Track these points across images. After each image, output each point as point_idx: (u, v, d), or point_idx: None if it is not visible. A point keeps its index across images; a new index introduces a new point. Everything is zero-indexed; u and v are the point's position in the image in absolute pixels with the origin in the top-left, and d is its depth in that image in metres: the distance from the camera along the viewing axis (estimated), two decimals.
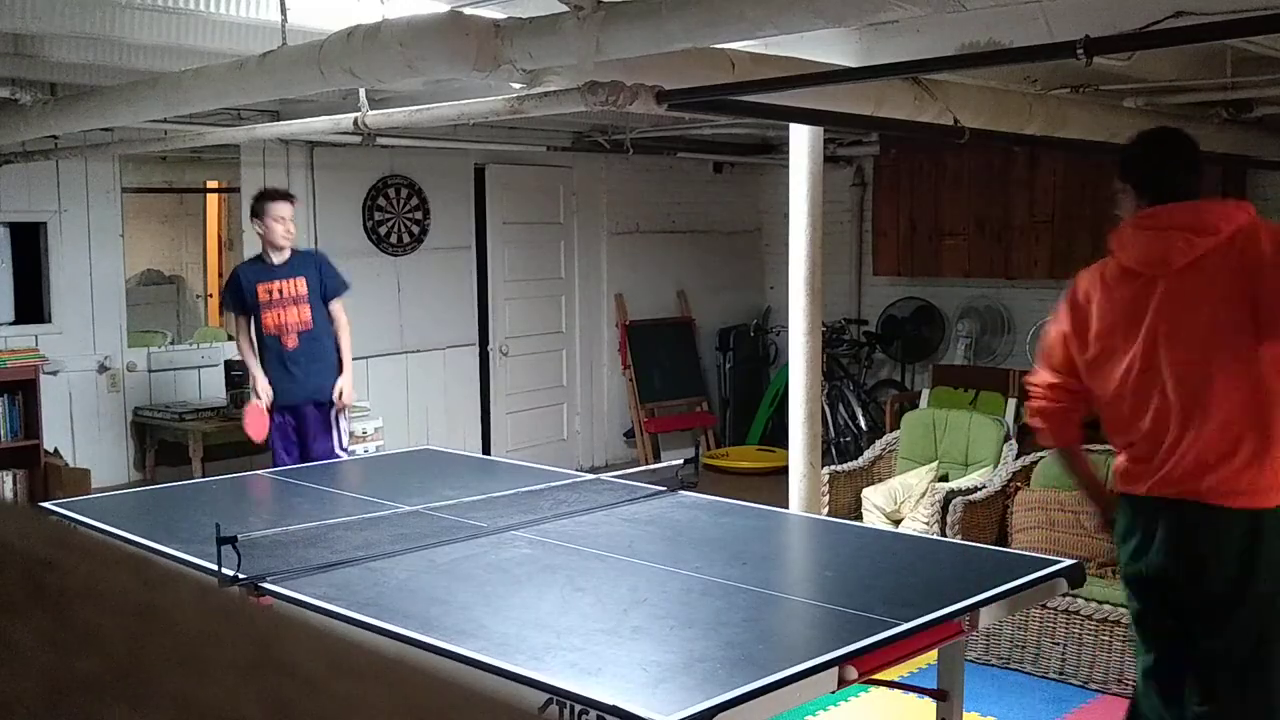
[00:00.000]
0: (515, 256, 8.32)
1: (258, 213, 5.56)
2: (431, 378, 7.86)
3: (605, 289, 8.91)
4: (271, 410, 5.55)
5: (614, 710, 2.17)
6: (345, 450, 5.66)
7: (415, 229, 7.77)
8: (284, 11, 3.51)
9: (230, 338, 7.15)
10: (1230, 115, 5.50)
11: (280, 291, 5.51)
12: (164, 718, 0.33)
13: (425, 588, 3.00)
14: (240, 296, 5.57)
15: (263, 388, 5.52)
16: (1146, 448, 2.96)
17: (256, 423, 5.52)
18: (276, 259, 5.57)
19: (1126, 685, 4.43)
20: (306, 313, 5.54)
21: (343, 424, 5.67)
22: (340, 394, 5.56)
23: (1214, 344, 2.85)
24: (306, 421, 5.58)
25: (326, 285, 5.63)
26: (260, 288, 5.51)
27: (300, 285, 5.54)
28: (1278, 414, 2.84)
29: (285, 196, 5.62)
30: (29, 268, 6.34)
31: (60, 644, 0.35)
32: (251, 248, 7.12)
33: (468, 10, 3.27)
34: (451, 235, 7.96)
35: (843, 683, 2.47)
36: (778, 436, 8.50)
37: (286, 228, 5.51)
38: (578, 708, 2.20)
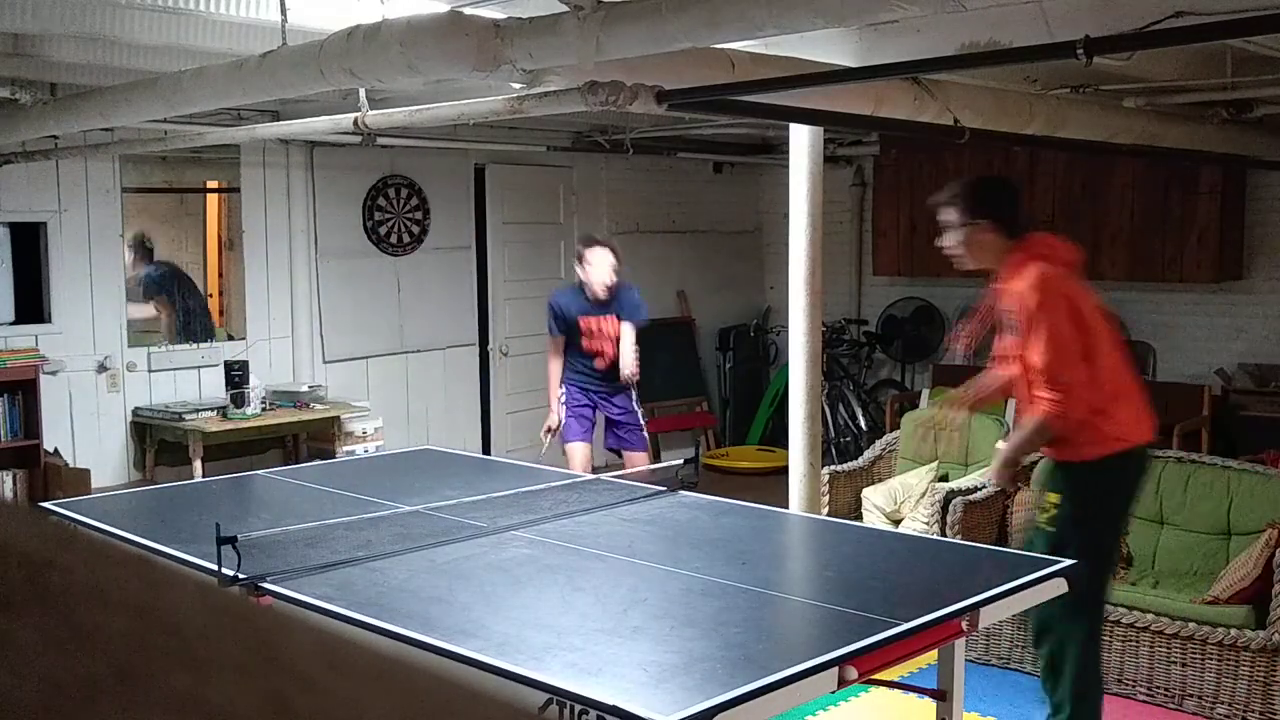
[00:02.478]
0: (515, 256, 8.32)
1: (579, 256, 5.98)
2: (431, 378, 7.86)
3: None
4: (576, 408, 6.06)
5: (614, 710, 2.17)
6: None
7: (415, 229, 7.77)
8: (284, 11, 3.51)
9: (230, 337, 7.18)
10: (1230, 115, 5.50)
11: (599, 327, 5.96)
12: (164, 718, 0.34)
13: (425, 588, 3.00)
14: (565, 321, 6.02)
15: (552, 420, 6.06)
16: (1141, 403, 3.65)
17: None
18: (601, 296, 5.91)
19: (1127, 685, 4.43)
20: (614, 345, 5.98)
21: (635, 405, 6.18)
22: (633, 371, 5.97)
23: None
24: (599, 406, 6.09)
25: (626, 315, 6.00)
26: (582, 319, 5.95)
27: (615, 324, 5.97)
28: None
29: (603, 244, 5.98)
30: (29, 268, 6.34)
31: (61, 644, 0.35)
32: (252, 248, 7.14)
33: (468, 10, 3.27)
34: (451, 235, 7.96)
35: (843, 683, 2.47)
36: (778, 436, 8.50)
37: (606, 277, 5.84)
38: (578, 708, 2.20)
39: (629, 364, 5.97)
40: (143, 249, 6.89)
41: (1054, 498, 3.59)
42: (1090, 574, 3.42)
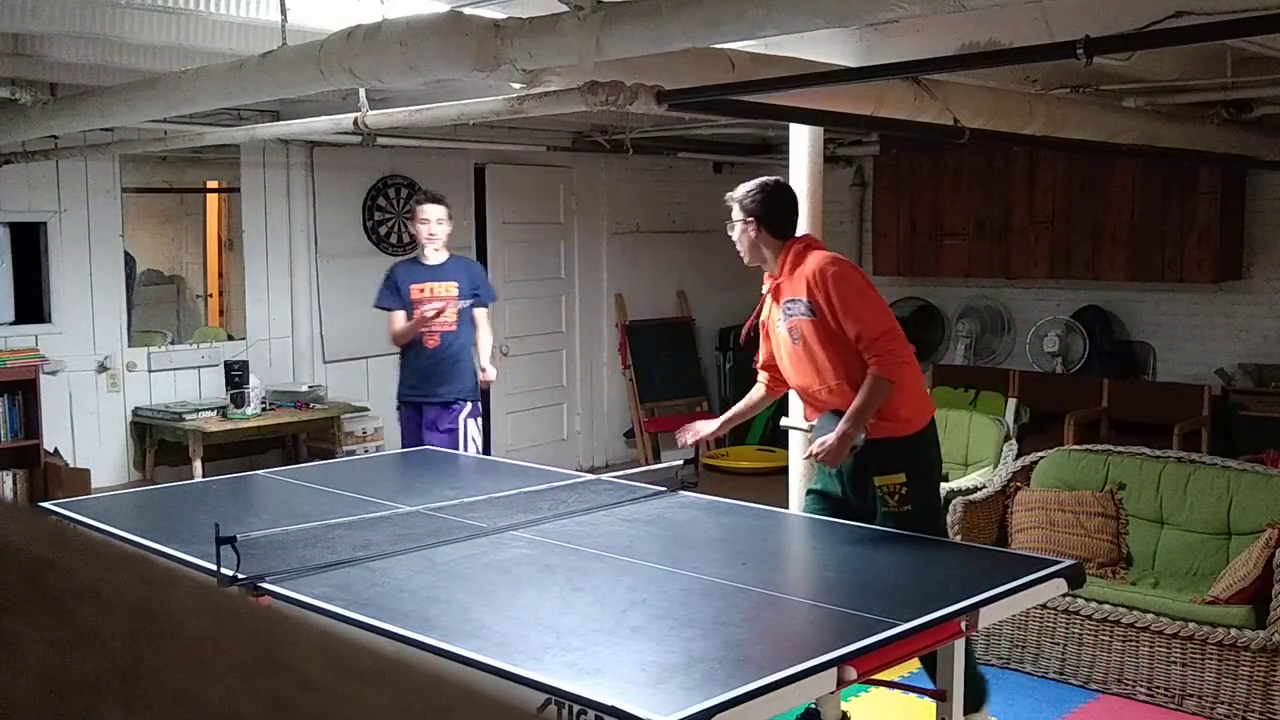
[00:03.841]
0: (515, 256, 8.32)
1: (409, 213, 5.76)
2: None
3: (605, 289, 8.91)
4: (400, 405, 5.75)
5: (613, 710, 2.17)
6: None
7: None
8: (284, 11, 3.51)
9: (230, 337, 7.18)
10: (1230, 115, 5.50)
11: (431, 292, 5.65)
12: (164, 718, 0.34)
13: (425, 588, 3.00)
14: (396, 292, 5.67)
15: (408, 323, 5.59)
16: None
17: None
18: (431, 260, 5.70)
19: (1127, 685, 4.43)
20: (451, 315, 5.66)
21: (471, 429, 5.76)
22: (486, 373, 5.73)
23: None
24: (424, 419, 5.70)
25: (480, 293, 5.77)
26: (413, 286, 5.64)
27: (450, 289, 5.68)
28: None
29: (434, 199, 5.75)
30: (29, 268, 6.34)
31: (60, 644, 0.35)
32: (252, 248, 7.14)
33: (468, 10, 3.27)
34: (452, 235, 7.94)
35: (842, 683, 2.47)
36: (778, 436, 8.50)
37: (430, 229, 5.65)
38: (577, 708, 2.20)
39: (485, 355, 5.70)
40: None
41: (897, 478, 3.61)
42: (942, 528, 3.78)
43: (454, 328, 5.67)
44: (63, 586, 0.38)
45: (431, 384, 5.66)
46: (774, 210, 3.83)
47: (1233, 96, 5.19)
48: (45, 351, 6.24)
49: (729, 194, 3.89)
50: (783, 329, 3.82)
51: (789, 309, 3.77)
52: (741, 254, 3.94)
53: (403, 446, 5.71)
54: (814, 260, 3.71)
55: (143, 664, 0.35)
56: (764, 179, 3.89)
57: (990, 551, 3.90)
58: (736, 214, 3.82)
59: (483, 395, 5.86)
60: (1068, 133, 4.86)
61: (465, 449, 5.67)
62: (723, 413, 4.39)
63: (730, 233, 3.88)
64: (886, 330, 3.59)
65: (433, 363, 5.64)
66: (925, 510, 3.64)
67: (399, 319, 5.67)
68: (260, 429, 6.67)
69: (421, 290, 5.64)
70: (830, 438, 3.57)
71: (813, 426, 3.80)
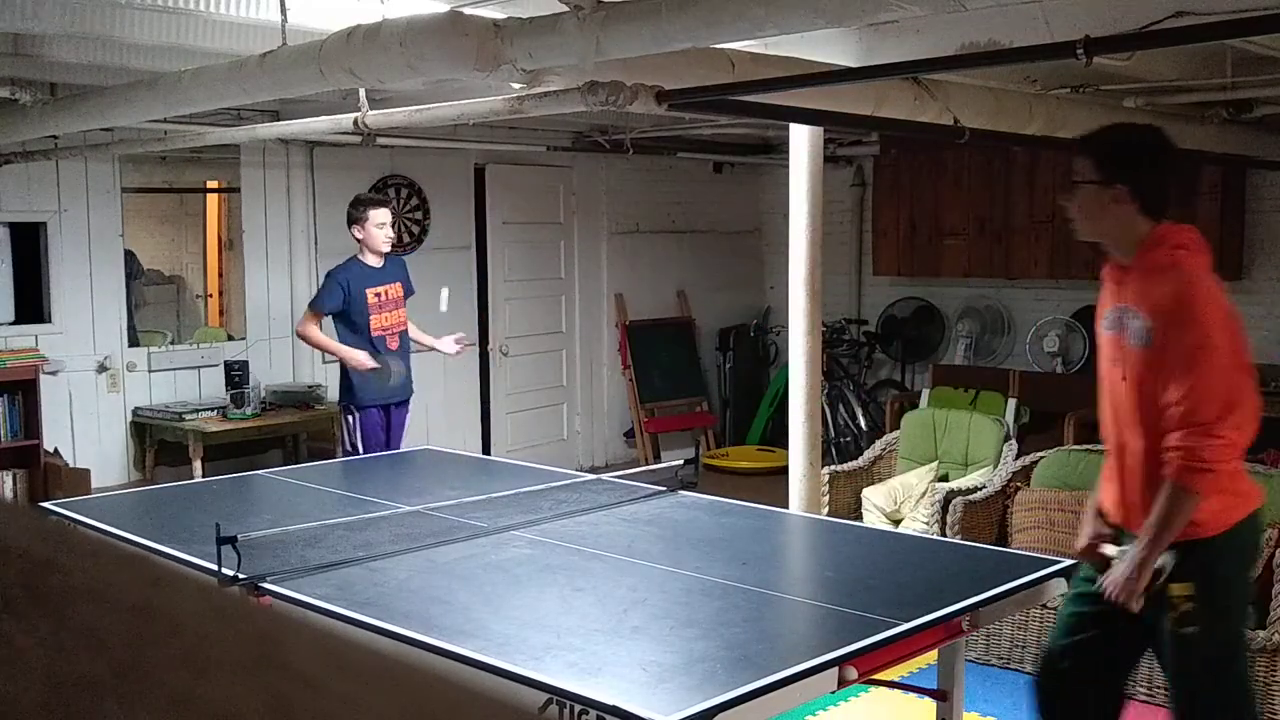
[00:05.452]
0: (515, 256, 8.32)
1: (356, 219, 5.69)
2: (431, 378, 7.85)
3: (605, 289, 8.91)
4: (360, 407, 5.72)
5: (614, 710, 2.17)
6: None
7: (415, 229, 7.77)
8: (284, 11, 3.51)
9: (230, 337, 7.18)
10: (1230, 115, 5.50)
11: (385, 295, 5.72)
12: (164, 718, 0.34)
13: (425, 588, 3.00)
14: (346, 298, 5.66)
15: (364, 357, 5.62)
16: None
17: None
18: (377, 263, 5.74)
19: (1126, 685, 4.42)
20: (403, 314, 5.82)
21: (405, 423, 5.93)
22: (459, 343, 5.91)
23: None
24: (391, 420, 5.80)
25: (408, 286, 5.92)
26: (369, 291, 5.68)
27: (398, 289, 5.80)
28: None
29: (382, 203, 5.85)
30: (29, 268, 6.34)
31: (61, 644, 0.35)
32: (252, 248, 7.14)
33: (468, 10, 3.27)
34: (451, 235, 7.96)
35: (843, 683, 2.47)
36: (778, 436, 8.50)
37: (387, 232, 5.70)
38: (578, 708, 2.20)
39: (427, 336, 5.87)
40: None
41: (1183, 589, 2.72)
42: (1238, 675, 2.81)
43: (405, 326, 5.83)
44: (63, 586, 0.38)
45: (399, 386, 5.77)
46: (1150, 174, 2.76)
47: (1233, 96, 5.19)
48: (45, 351, 6.23)
49: (1081, 140, 2.88)
50: (1104, 337, 2.88)
51: (1121, 319, 2.79)
52: (1076, 226, 2.86)
53: (366, 448, 5.68)
54: (1184, 271, 2.71)
55: (143, 664, 0.35)
56: (1137, 124, 2.96)
57: (990, 551, 3.90)
58: (1090, 170, 2.76)
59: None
60: (1068, 133, 4.85)
61: (400, 443, 5.84)
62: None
63: (1068, 200, 2.84)
64: (1217, 414, 2.63)
65: (398, 364, 5.78)
66: (1213, 642, 2.77)
67: (323, 325, 5.74)
68: (260, 429, 6.67)
69: (378, 294, 5.71)
70: (1122, 567, 2.73)
71: (1123, 540, 2.83)
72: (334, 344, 5.73)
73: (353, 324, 5.68)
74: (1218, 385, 2.64)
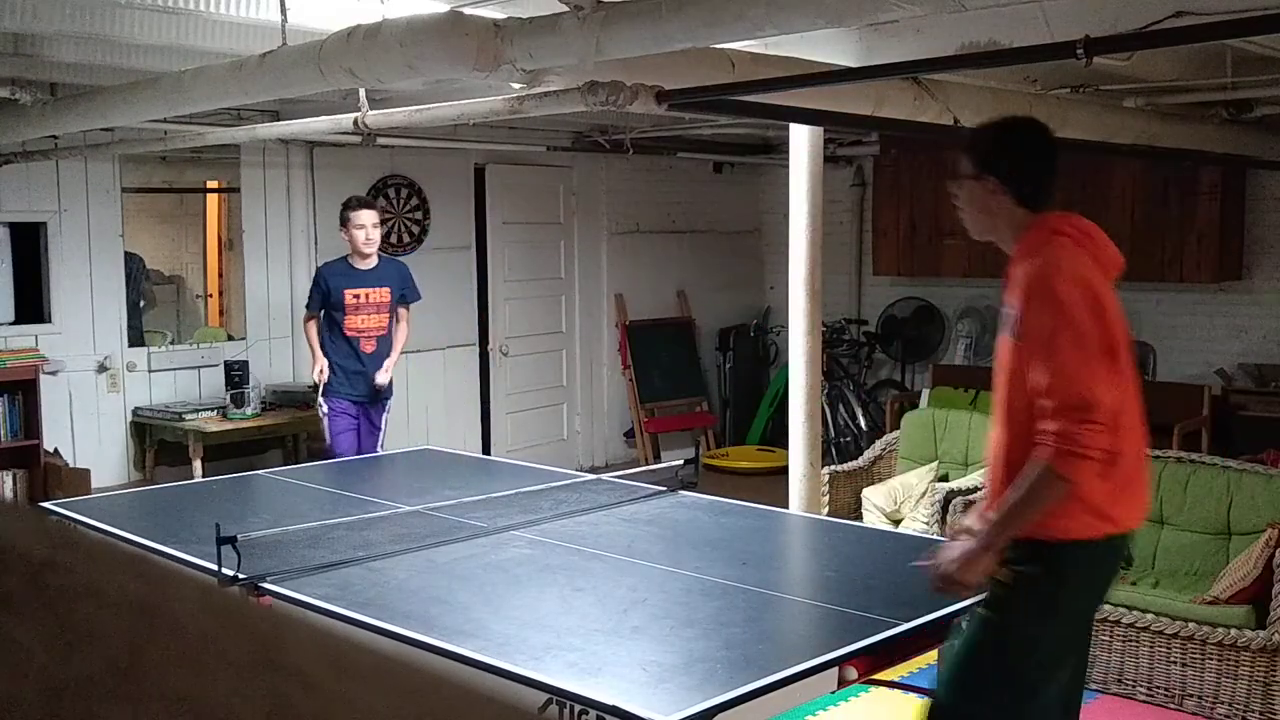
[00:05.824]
0: (515, 256, 8.32)
1: (342, 221, 5.77)
2: (431, 378, 7.86)
3: (605, 289, 8.91)
4: (330, 399, 5.77)
5: (614, 710, 2.17)
6: (381, 448, 5.91)
7: (415, 229, 7.77)
8: (284, 11, 3.51)
9: (230, 337, 7.18)
10: (1230, 115, 5.50)
11: (366, 297, 5.73)
12: (164, 717, 0.34)
13: (425, 588, 3.00)
14: (325, 296, 5.75)
15: (323, 366, 5.72)
16: (1135, 468, 2.57)
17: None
18: (363, 265, 5.75)
19: (1127, 685, 4.43)
20: (386, 320, 5.81)
21: (385, 424, 5.92)
22: (384, 375, 5.77)
23: None
24: (367, 418, 5.82)
25: (405, 293, 5.91)
26: (348, 292, 5.70)
27: (385, 294, 5.79)
28: None
29: (367, 204, 5.83)
30: (29, 268, 6.34)
31: (60, 644, 0.35)
32: (252, 248, 7.14)
33: (468, 10, 3.27)
34: (451, 235, 7.96)
35: (843, 683, 2.47)
36: (778, 436, 8.50)
37: (367, 235, 5.69)
38: (578, 708, 2.20)
39: (388, 366, 5.78)
40: None
41: (1005, 574, 2.49)
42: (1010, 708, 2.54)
43: (386, 332, 5.82)
44: (63, 586, 0.38)
45: (369, 386, 5.77)
46: (1022, 164, 2.66)
47: (1233, 96, 5.19)
48: (45, 351, 6.23)
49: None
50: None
51: (1005, 317, 2.64)
52: (967, 224, 2.77)
53: (332, 440, 5.76)
54: (1047, 253, 2.53)
55: (143, 664, 0.35)
56: (1012, 116, 2.82)
57: None
58: (967, 166, 2.69)
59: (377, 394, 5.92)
60: (1068, 133, 4.85)
61: (381, 442, 5.85)
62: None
63: (954, 197, 2.75)
64: (1080, 398, 2.39)
65: (371, 368, 5.77)
66: (1002, 648, 2.52)
67: (312, 326, 5.83)
68: (260, 429, 6.67)
69: (357, 296, 5.73)
70: (950, 552, 2.49)
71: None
72: (313, 343, 5.84)
73: (331, 320, 5.78)
74: (1083, 371, 2.41)
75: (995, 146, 2.71)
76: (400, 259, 6.06)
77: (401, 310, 5.91)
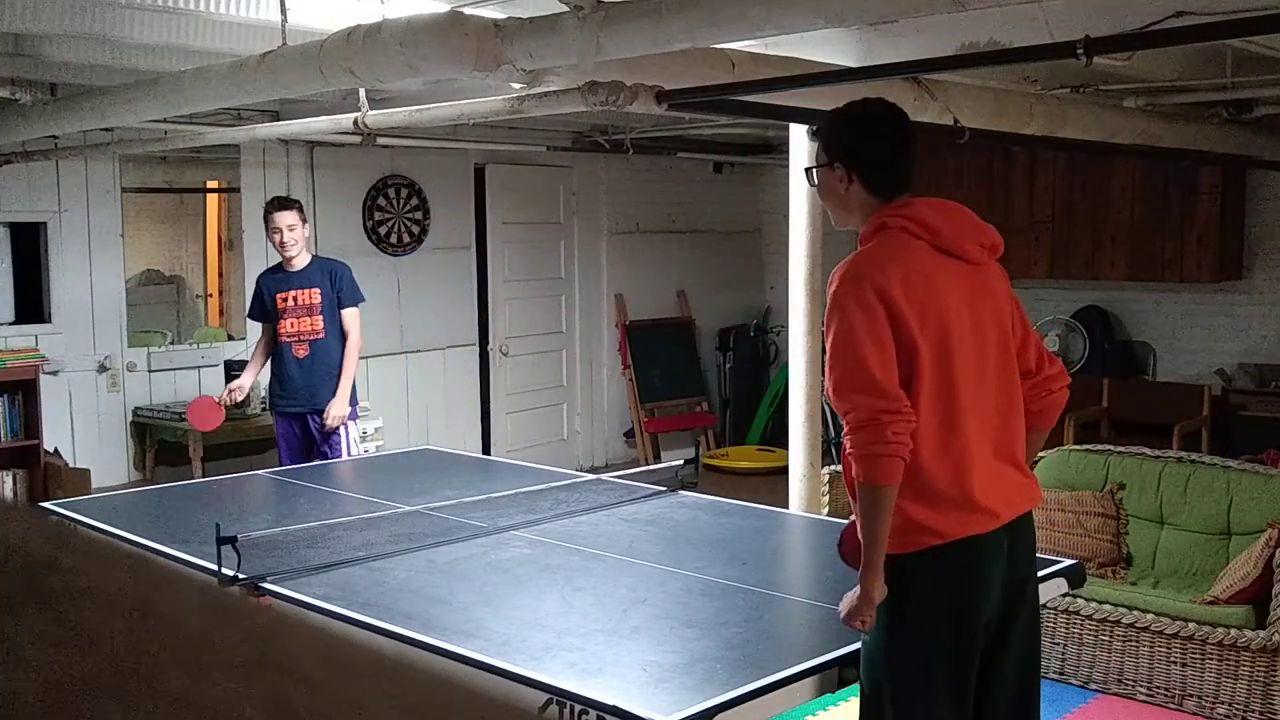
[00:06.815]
0: (515, 256, 8.32)
1: (265, 224, 5.52)
2: (431, 378, 7.86)
3: (605, 289, 8.91)
4: (276, 415, 5.58)
5: (614, 710, 2.17)
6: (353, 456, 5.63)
7: (415, 229, 7.77)
8: (284, 11, 3.51)
9: (230, 337, 7.18)
10: (1230, 115, 5.50)
11: (295, 300, 5.48)
12: (164, 718, 0.34)
13: (425, 588, 3.00)
14: (261, 303, 5.56)
15: (236, 383, 5.48)
16: (966, 482, 2.40)
17: (202, 414, 5.40)
18: (292, 267, 5.51)
19: (1127, 685, 4.43)
20: (319, 322, 5.47)
21: (351, 433, 5.58)
22: (328, 414, 5.41)
23: (1009, 351, 2.54)
24: (309, 430, 5.51)
25: (341, 296, 5.52)
26: (278, 295, 5.49)
27: (314, 295, 5.48)
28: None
29: (283, 205, 5.49)
30: (29, 268, 6.34)
31: (60, 644, 0.35)
32: (253, 248, 7.14)
33: (468, 10, 3.27)
34: (451, 235, 7.96)
35: (843, 683, 2.47)
36: (778, 436, 8.50)
37: (283, 237, 5.42)
38: (578, 708, 2.20)
39: (332, 408, 5.36)
40: None
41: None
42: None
43: (322, 335, 5.47)
44: (63, 586, 0.38)
45: (305, 395, 5.46)
46: (869, 150, 2.53)
47: (1233, 96, 5.19)
48: (45, 351, 6.23)
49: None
50: None
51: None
52: (830, 216, 2.68)
53: (281, 456, 5.52)
54: (856, 261, 2.43)
55: (143, 664, 0.35)
56: (863, 100, 2.63)
57: None
58: (818, 153, 2.59)
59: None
60: (1068, 133, 4.86)
61: (348, 453, 5.49)
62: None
63: (814, 187, 2.69)
64: (857, 403, 2.31)
65: (305, 372, 5.46)
66: (880, 665, 2.43)
67: (259, 338, 5.66)
68: (260, 429, 6.67)
69: (285, 299, 5.47)
70: (848, 594, 2.41)
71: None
72: (254, 355, 5.66)
73: (275, 329, 5.54)
74: (862, 374, 2.30)
75: (841, 132, 2.55)
76: (343, 261, 5.70)
77: (348, 320, 5.50)
